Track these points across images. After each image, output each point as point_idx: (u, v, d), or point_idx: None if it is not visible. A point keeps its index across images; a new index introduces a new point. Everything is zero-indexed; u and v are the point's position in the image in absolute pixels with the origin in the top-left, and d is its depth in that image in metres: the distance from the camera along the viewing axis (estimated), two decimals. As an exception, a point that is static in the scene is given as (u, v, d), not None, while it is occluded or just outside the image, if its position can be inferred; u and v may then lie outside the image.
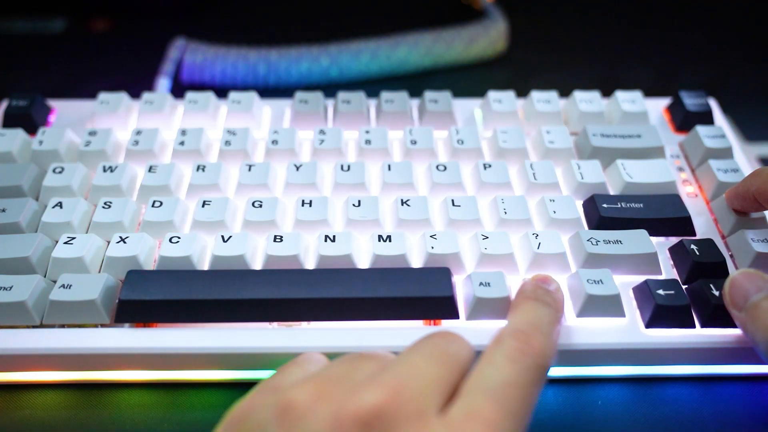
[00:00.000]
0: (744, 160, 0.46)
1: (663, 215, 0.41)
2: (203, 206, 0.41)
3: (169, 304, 0.36)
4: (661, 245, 0.40)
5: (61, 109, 0.50)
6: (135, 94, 0.50)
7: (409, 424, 0.26)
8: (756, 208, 0.40)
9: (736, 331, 0.36)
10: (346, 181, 0.43)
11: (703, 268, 0.38)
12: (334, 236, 0.39)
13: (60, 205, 0.41)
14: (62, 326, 0.36)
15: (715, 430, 0.35)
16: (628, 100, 0.49)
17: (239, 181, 0.43)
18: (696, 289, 0.37)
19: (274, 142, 0.46)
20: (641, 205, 0.42)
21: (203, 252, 0.39)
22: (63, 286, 0.36)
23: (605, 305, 0.36)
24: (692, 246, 0.39)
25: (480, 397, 0.28)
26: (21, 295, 0.36)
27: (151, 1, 0.69)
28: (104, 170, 0.43)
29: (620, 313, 0.37)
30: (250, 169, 0.43)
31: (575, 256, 0.39)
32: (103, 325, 0.37)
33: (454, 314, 0.37)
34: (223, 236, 0.39)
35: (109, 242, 0.39)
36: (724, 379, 0.37)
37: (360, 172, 0.43)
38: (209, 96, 0.49)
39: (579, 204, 0.43)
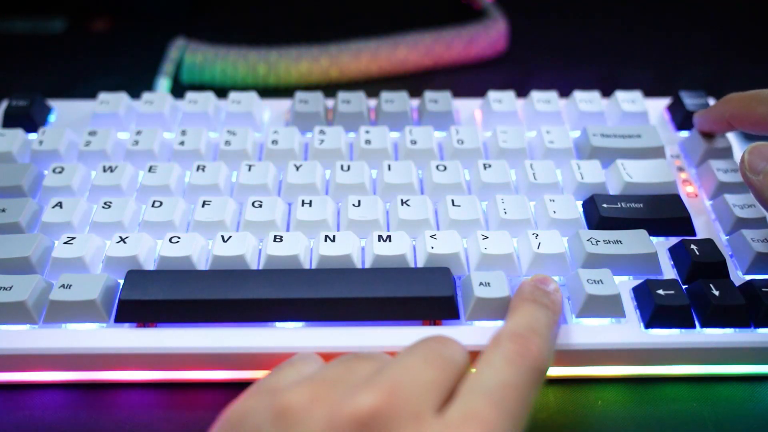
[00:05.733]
0: (744, 160, 0.46)
1: (663, 215, 0.41)
2: (203, 206, 0.41)
3: (169, 304, 0.36)
4: (661, 245, 0.40)
5: (61, 109, 0.50)
6: (135, 94, 0.50)
7: (405, 425, 0.26)
8: (727, 131, 0.45)
9: (736, 331, 0.36)
10: (346, 181, 0.43)
11: (703, 268, 0.38)
12: (334, 236, 0.39)
13: (60, 205, 0.41)
14: (62, 326, 0.36)
15: (714, 430, 0.35)
16: (628, 100, 0.49)
17: (239, 181, 0.43)
18: (696, 289, 0.37)
19: (274, 142, 0.46)
20: (641, 205, 0.42)
21: (203, 252, 0.39)
22: (63, 286, 0.36)
23: (605, 305, 0.36)
24: (692, 246, 0.39)
25: (478, 398, 0.28)
26: (21, 295, 0.36)
27: (151, 1, 0.69)
28: (104, 170, 0.43)
29: (620, 313, 0.37)
30: (250, 169, 0.43)
31: (575, 256, 0.39)
32: (103, 325, 0.37)
33: (454, 314, 0.36)
34: (223, 236, 0.39)
35: (109, 242, 0.39)
36: (724, 379, 0.37)
37: (360, 173, 0.43)
38: (209, 96, 0.49)
39: (579, 204, 0.43)
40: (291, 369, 0.32)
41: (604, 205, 0.41)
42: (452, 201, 0.41)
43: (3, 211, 0.40)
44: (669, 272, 0.39)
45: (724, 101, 0.43)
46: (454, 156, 0.45)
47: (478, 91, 0.51)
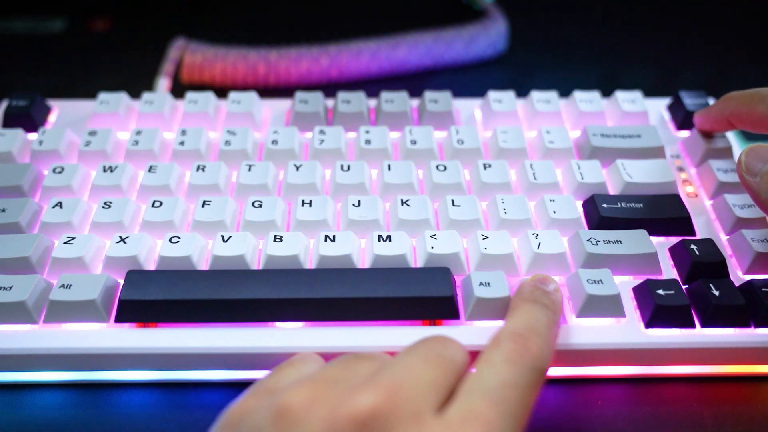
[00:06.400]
0: (744, 160, 0.46)
1: (663, 215, 0.41)
2: (203, 206, 0.41)
3: (169, 304, 0.36)
4: (661, 245, 0.40)
5: (61, 109, 0.50)
6: (135, 94, 0.50)
7: (405, 425, 0.26)
8: (727, 129, 0.44)
9: (736, 331, 0.36)
10: (346, 181, 0.43)
11: (703, 268, 0.38)
12: (334, 236, 0.39)
13: (60, 205, 0.41)
14: (62, 326, 0.36)
15: (714, 430, 0.35)
16: (628, 100, 0.49)
17: (239, 181, 0.43)
18: (696, 289, 0.37)
19: (274, 142, 0.46)
20: (641, 205, 0.42)
21: (203, 252, 0.39)
22: (63, 286, 0.36)
23: (605, 305, 0.36)
24: (692, 246, 0.39)
25: (478, 397, 0.28)
26: (21, 295, 0.36)
27: (151, 1, 0.69)
28: (104, 170, 0.43)
29: (620, 313, 0.37)
30: (250, 169, 0.43)
31: (575, 256, 0.39)
32: (103, 325, 0.37)
33: (454, 314, 0.37)
34: (223, 236, 0.39)
35: (109, 242, 0.39)
36: (724, 379, 0.37)
37: (360, 172, 0.43)
38: (209, 96, 0.49)
39: (579, 204, 0.43)
40: (291, 369, 0.32)
41: (604, 205, 0.41)
42: (452, 201, 0.41)
43: (3, 211, 0.41)
44: (669, 272, 0.39)
45: (724, 100, 0.43)
46: (454, 156, 0.45)
47: (478, 91, 0.51)
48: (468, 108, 0.50)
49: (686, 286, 0.38)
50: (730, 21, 0.71)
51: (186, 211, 0.42)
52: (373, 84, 0.59)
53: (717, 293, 0.36)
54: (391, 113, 0.48)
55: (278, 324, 0.37)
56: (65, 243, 0.39)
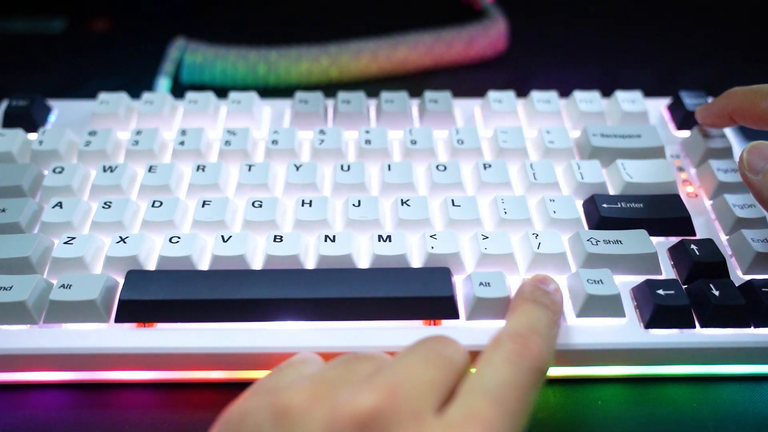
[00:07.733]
0: (744, 160, 0.46)
1: (663, 215, 0.41)
2: (203, 206, 0.41)
3: (169, 304, 0.36)
4: (661, 245, 0.40)
5: (61, 109, 0.50)
6: (135, 94, 0.50)
7: (406, 425, 0.26)
8: (729, 125, 0.44)
9: (736, 331, 0.36)
10: (346, 181, 0.43)
11: (703, 268, 0.38)
12: (334, 236, 0.39)
13: (60, 205, 0.41)
14: (62, 326, 0.36)
15: (714, 430, 0.35)
16: (628, 100, 0.49)
17: (239, 181, 0.43)
18: (696, 289, 0.37)
19: (274, 142, 0.46)
20: (641, 205, 0.42)
21: (203, 252, 0.39)
22: (63, 286, 0.36)
23: (605, 305, 0.36)
24: (692, 246, 0.39)
25: (478, 397, 0.28)
26: (21, 295, 0.36)
27: (151, 1, 0.69)
28: (104, 170, 0.43)
29: (620, 313, 0.37)
30: (250, 169, 0.43)
31: (575, 256, 0.39)
32: (103, 325, 0.37)
33: (454, 314, 0.37)
34: (223, 236, 0.39)
35: (109, 242, 0.39)
36: (724, 379, 0.37)
37: (360, 172, 0.43)
38: (209, 96, 0.49)
39: (579, 204, 0.43)
40: (291, 369, 0.32)
41: (604, 205, 0.41)
42: (452, 201, 0.41)
43: (3, 211, 0.41)
44: (669, 272, 0.39)
45: (726, 95, 0.43)
46: (454, 156, 0.45)
47: (478, 91, 0.51)
48: (468, 108, 0.50)
49: (686, 286, 0.38)
50: (730, 21, 0.71)
51: (186, 211, 0.42)
52: (373, 84, 0.59)
53: (717, 293, 0.36)
54: (391, 113, 0.48)
55: (278, 324, 0.37)
56: (65, 243, 0.39)
